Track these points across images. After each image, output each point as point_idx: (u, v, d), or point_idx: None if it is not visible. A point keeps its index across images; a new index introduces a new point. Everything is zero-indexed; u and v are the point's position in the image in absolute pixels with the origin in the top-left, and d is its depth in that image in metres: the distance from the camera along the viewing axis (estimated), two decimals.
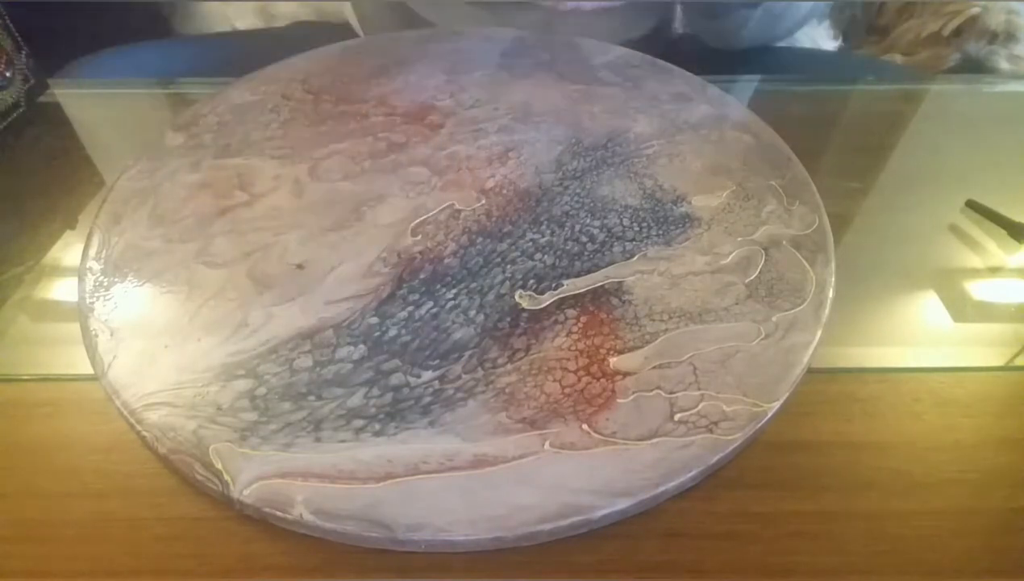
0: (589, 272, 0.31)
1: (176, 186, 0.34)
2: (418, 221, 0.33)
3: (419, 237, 0.32)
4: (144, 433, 0.25)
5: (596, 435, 0.25)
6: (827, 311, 0.29)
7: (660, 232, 0.32)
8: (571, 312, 0.29)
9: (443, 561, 0.23)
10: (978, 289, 0.34)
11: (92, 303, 0.29)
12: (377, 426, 0.25)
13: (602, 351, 0.28)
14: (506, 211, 0.33)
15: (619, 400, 0.26)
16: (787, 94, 0.49)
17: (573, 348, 0.28)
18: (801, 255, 0.31)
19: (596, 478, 0.24)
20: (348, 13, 0.58)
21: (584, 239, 0.32)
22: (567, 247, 0.32)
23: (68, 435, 0.27)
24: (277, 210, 0.33)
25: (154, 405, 0.25)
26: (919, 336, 0.32)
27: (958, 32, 0.83)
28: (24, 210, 0.37)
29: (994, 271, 0.35)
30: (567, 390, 0.26)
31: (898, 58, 0.87)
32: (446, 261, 0.31)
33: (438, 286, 0.30)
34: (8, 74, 0.41)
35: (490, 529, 0.23)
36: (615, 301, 0.29)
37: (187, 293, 0.29)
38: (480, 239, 0.32)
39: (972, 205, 0.38)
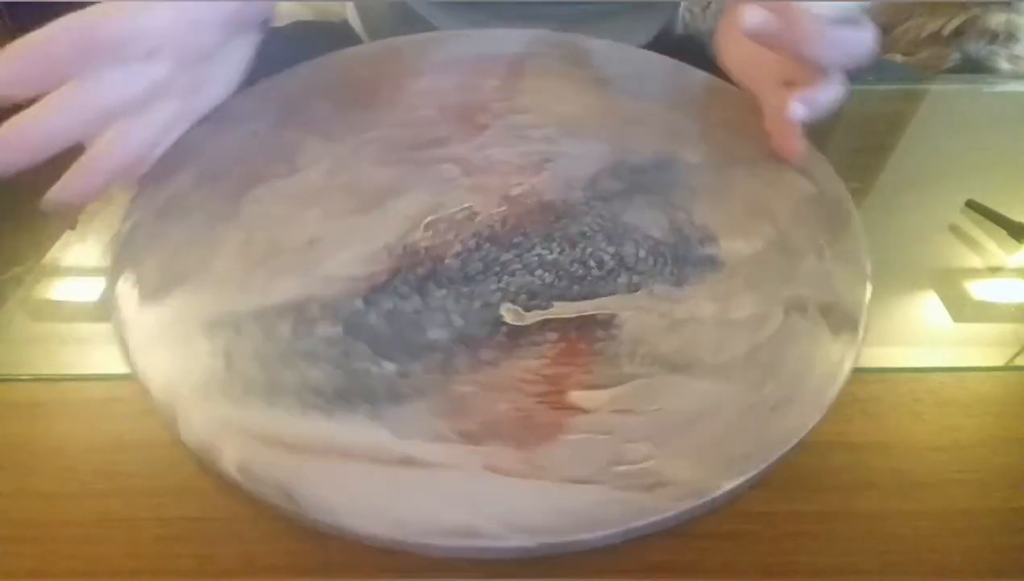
0: (585, 298, 0.29)
1: (228, 148, 0.35)
2: (433, 217, 0.33)
3: (430, 233, 0.32)
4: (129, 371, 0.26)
5: (528, 465, 0.24)
6: (832, 397, 0.25)
7: (674, 270, 0.30)
8: (551, 335, 0.28)
9: (444, 562, 0.23)
10: (978, 289, 0.34)
11: (124, 253, 0.30)
12: (324, 403, 0.25)
13: (567, 382, 0.26)
14: (522, 221, 0.33)
15: (565, 436, 0.25)
16: None
17: (539, 373, 0.27)
18: (827, 325, 0.28)
19: (511, 508, 0.23)
20: (349, 13, 0.58)
21: (592, 263, 0.31)
22: (571, 269, 0.31)
23: (68, 435, 0.27)
24: (309, 185, 0.33)
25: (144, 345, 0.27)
26: (919, 336, 0.32)
27: (958, 32, 0.83)
28: (24, 210, 0.37)
29: (994, 271, 0.36)
30: (517, 413, 0.26)
31: (898, 58, 0.87)
32: (447, 261, 0.31)
33: (431, 283, 0.30)
34: None
35: (390, 527, 0.22)
36: (600, 333, 0.28)
37: (207, 252, 0.30)
38: (487, 245, 0.32)
39: (972, 205, 0.38)
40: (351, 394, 0.26)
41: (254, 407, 0.25)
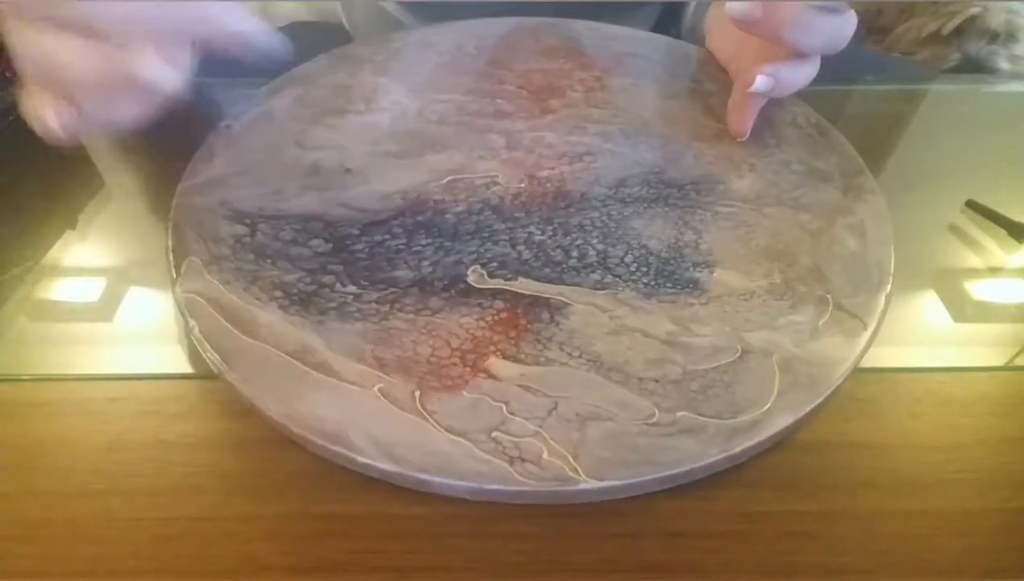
0: (550, 282, 0.30)
1: (325, 84, 0.39)
2: (456, 177, 0.34)
3: (447, 189, 0.34)
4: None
5: (418, 406, 0.25)
6: (739, 450, 0.24)
7: (651, 283, 0.30)
8: (499, 304, 0.29)
9: (445, 560, 0.23)
10: (978, 289, 0.34)
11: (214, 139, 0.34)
12: (287, 303, 0.28)
13: (491, 347, 0.27)
14: (532, 200, 0.34)
15: (464, 393, 0.26)
16: None
17: (471, 331, 0.28)
18: (778, 380, 0.26)
19: (388, 435, 0.24)
20: (340, 15, 0.58)
21: (574, 254, 0.31)
22: (552, 253, 0.31)
23: (68, 435, 0.27)
24: (372, 125, 0.37)
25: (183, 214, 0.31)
26: (919, 336, 0.32)
27: (958, 32, 0.83)
28: (24, 210, 0.37)
29: (994, 271, 0.35)
30: (432, 359, 0.27)
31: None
32: (446, 216, 0.33)
33: (421, 231, 0.32)
34: (8, 74, 0.41)
35: (283, 416, 0.25)
36: (545, 316, 0.28)
37: (269, 156, 0.34)
38: (487, 212, 0.33)
39: (972, 205, 0.38)
40: (309, 302, 0.29)
41: (233, 289, 0.28)
